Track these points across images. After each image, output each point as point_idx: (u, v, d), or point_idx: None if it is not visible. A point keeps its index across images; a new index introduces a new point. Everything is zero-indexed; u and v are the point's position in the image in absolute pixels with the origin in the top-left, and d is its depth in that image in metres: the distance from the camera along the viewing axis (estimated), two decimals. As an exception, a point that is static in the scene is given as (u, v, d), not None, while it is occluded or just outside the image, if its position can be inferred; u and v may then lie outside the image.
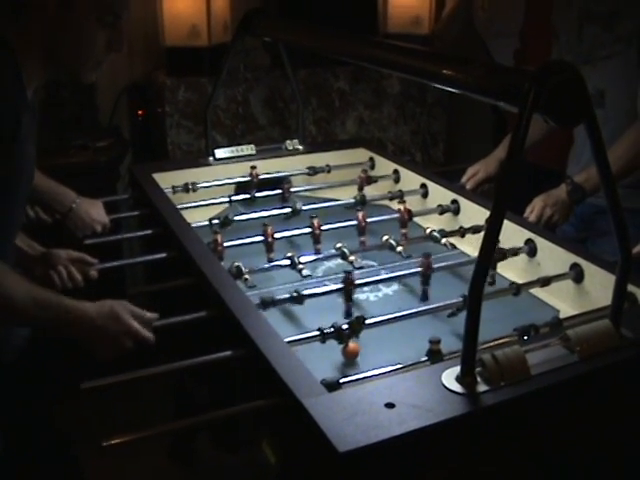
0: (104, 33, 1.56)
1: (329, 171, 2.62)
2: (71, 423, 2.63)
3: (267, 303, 1.67)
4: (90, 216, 2.14)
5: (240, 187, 2.47)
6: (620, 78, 2.18)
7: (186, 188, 2.37)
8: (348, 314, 1.73)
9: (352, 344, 1.56)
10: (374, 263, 2.05)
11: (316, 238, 2.06)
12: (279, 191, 2.46)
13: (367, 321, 1.56)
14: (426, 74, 1.58)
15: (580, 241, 2.26)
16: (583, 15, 2.29)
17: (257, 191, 2.42)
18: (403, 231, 2.16)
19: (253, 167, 2.51)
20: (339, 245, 1.97)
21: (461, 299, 1.65)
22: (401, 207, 2.18)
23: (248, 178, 2.49)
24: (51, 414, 2.37)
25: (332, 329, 1.52)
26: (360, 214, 2.13)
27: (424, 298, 1.84)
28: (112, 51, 1.60)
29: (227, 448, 1.87)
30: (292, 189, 2.48)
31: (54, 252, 1.87)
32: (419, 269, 1.84)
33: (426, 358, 1.44)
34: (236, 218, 2.19)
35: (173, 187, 2.35)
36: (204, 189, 2.40)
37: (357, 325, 1.54)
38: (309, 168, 2.60)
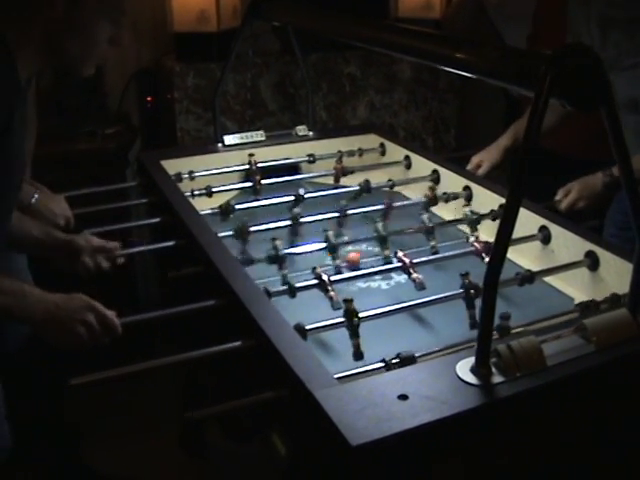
0: (108, 30, 1.54)
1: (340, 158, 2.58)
2: (80, 413, 2.65)
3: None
4: (51, 210, 2.04)
5: (249, 174, 2.44)
6: None
7: (191, 177, 2.36)
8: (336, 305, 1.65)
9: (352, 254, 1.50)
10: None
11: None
12: (302, 176, 2.45)
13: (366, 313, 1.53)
14: (439, 58, 1.55)
15: None
16: (604, 20, 2.23)
17: (264, 178, 2.39)
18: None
19: (251, 154, 2.47)
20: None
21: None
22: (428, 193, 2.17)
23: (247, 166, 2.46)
24: (58, 404, 2.37)
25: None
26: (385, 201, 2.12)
27: (472, 325, 1.62)
28: (113, 46, 1.58)
29: (237, 439, 1.86)
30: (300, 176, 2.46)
31: (76, 241, 1.83)
32: (432, 257, 1.81)
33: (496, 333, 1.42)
34: (241, 206, 2.16)
35: (178, 174, 2.33)
36: (213, 176, 2.38)
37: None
38: (338, 152, 2.58)
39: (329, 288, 1.66)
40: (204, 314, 1.60)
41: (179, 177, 2.33)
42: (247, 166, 2.44)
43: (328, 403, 1.16)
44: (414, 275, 1.74)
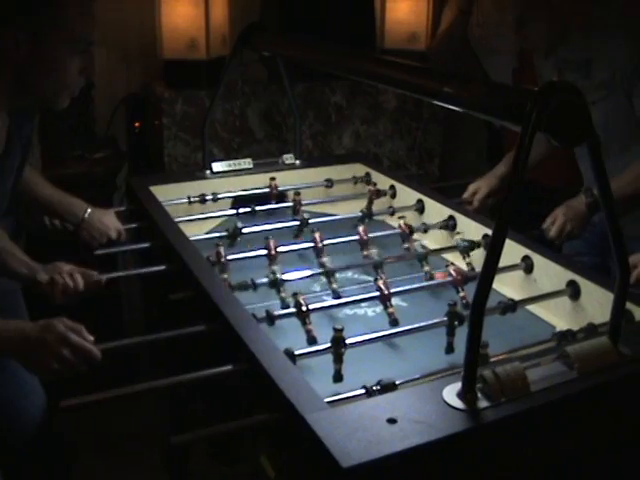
0: (77, 61, 1.56)
1: (331, 186, 2.64)
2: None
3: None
4: (104, 224, 2.16)
5: (237, 201, 2.48)
6: (609, 122, 2.18)
7: (189, 201, 2.41)
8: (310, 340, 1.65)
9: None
10: (370, 278, 2.06)
11: (319, 252, 2.06)
12: (289, 204, 2.48)
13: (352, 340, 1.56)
14: (427, 91, 1.59)
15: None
16: (560, 63, 2.31)
17: (257, 205, 2.42)
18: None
19: (272, 179, 2.54)
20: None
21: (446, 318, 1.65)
22: (401, 222, 2.20)
23: (267, 190, 2.53)
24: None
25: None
26: (361, 229, 2.14)
27: (448, 350, 1.67)
28: (85, 78, 1.61)
29: (224, 461, 1.87)
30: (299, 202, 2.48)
31: (57, 264, 1.86)
32: (409, 287, 1.86)
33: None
34: (245, 230, 2.20)
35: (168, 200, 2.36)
36: (202, 203, 2.43)
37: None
38: (327, 180, 2.64)
39: (307, 321, 1.67)
40: (195, 339, 1.63)
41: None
42: (266, 190, 2.53)
43: (319, 426, 1.19)
44: (390, 309, 1.77)
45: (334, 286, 1.92)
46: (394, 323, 1.74)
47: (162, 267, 1.92)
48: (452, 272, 1.87)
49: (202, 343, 1.66)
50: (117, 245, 2.19)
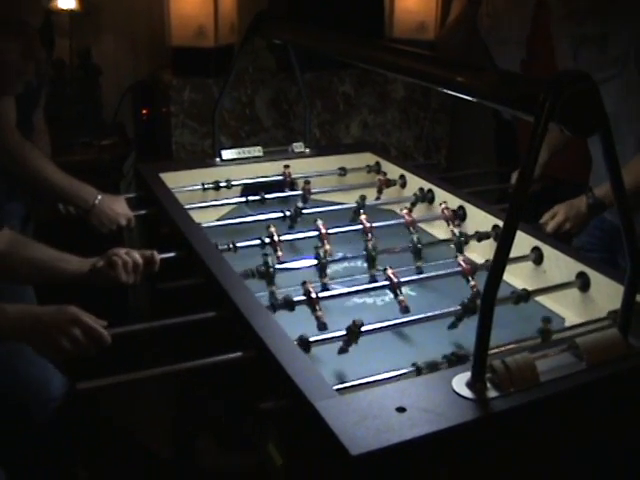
0: (14, 45, 1.49)
1: (344, 174, 2.65)
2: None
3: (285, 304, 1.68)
4: (114, 210, 2.17)
5: (247, 189, 2.48)
6: (622, 100, 2.16)
7: (203, 187, 2.42)
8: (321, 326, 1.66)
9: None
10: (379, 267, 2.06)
11: (322, 240, 2.06)
12: (299, 192, 2.48)
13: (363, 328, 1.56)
14: (439, 80, 1.59)
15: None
16: (578, 38, 2.30)
17: (266, 193, 2.42)
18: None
19: (286, 166, 2.55)
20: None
21: (459, 307, 1.66)
22: (405, 212, 2.19)
23: (281, 177, 2.54)
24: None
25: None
26: (364, 218, 2.12)
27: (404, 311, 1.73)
28: (32, 60, 1.54)
29: (232, 447, 1.87)
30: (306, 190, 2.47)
31: (112, 249, 1.80)
32: (421, 275, 1.85)
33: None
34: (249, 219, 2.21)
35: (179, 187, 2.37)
36: (216, 190, 2.44)
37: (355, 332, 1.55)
38: (340, 169, 2.65)
39: (317, 307, 1.68)
40: (204, 326, 1.63)
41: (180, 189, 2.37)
42: (280, 177, 2.54)
43: (328, 414, 1.19)
44: (400, 297, 1.77)
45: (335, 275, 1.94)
46: (405, 311, 1.74)
47: (172, 254, 1.92)
48: (461, 262, 1.87)
49: (211, 330, 1.67)
50: (127, 232, 2.19)
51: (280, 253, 1.99)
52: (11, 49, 1.49)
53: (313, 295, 1.68)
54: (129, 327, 1.59)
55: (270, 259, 1.86)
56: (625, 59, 2.16)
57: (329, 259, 1.95)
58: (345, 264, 2.03)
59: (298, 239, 2.10)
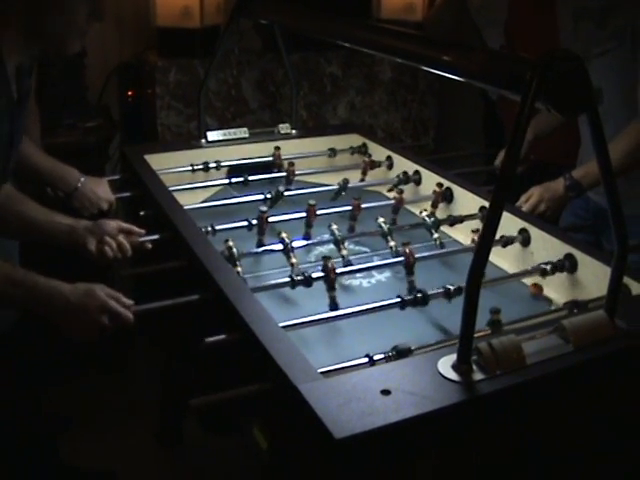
0: (86, 3, 1.53)
1: (334, 155, 2.64)
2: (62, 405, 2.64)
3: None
4: (96, 194, 2.15)
5: (233, 170, 2.46)
6: (616, 75, 2.16)
7: (192, 169, 2.41)
8: (333, 305, 1.69)
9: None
10: (367, 249, 2.05)
11: (309, 223, 2.05)
12: (284, 174, 2.47)
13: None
14: (426, 60, 1.56)
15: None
16: (578, 11, 2.29)
17: (249, 174, 2.40)
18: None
19: (277, 148, 2.54)
20: (334, 227, 1.96)
21: (441, 290, 1.66)
22: (395, 194, 2.18)
23: (271, 159, 2.53)
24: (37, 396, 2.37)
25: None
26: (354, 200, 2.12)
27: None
28: (94, 20, 1.57)
29: (217, 431, 1.86)
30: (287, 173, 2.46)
31: (102, 222, 1.83)
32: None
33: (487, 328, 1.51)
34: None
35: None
36: (205, 171, 2.43)
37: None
38: (330, 150, 2.64)
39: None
40: (187, 309, 1.61)
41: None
42: (270, 158, 2.54)
43: (312, 397, 1.18)
44: (411, 278, 1.79)
45: (343, 253, 1.93)
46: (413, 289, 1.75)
47: (156, 236, 1.90)
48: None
49: (195, 313, 1.65)
50: (109, 215, 2.17)
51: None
52: (80, 9, 1.51)
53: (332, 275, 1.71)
54: (147, 305, 1.60)
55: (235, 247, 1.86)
56: (622, 34, 2.15)
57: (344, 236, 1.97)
58: (331, 246, 2.02)
59: (282, 221, 2.08)
